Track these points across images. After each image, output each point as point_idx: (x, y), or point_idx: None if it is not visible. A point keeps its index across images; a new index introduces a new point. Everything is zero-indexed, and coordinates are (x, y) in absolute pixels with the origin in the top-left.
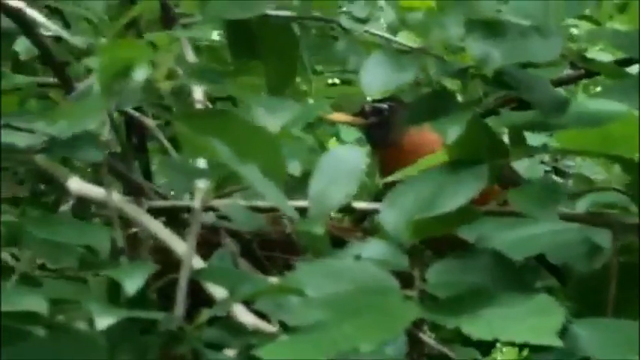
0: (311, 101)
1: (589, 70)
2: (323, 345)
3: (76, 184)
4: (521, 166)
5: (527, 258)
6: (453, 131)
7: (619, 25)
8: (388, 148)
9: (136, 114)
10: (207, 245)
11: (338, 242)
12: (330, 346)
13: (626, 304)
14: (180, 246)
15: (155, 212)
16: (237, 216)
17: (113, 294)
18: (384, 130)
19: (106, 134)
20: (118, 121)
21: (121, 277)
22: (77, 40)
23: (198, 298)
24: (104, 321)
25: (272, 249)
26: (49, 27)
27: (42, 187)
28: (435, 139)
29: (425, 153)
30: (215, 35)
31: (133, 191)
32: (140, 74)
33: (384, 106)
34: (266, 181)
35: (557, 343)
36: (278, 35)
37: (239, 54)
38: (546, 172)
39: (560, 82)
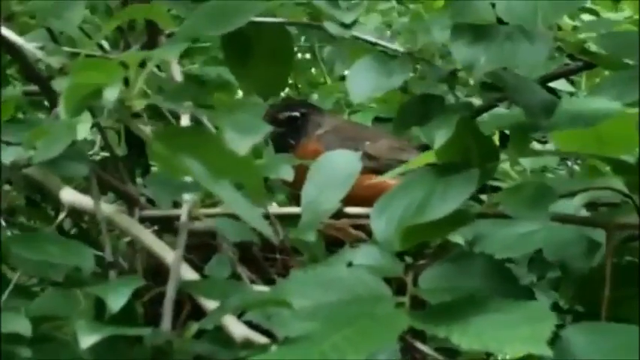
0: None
1: (589, 62)
2: (312, 357)
3: (68, 195)
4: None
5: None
6: (441, 135)
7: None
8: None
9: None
10: (206, 249)
11: (339, 244)
12: (318, 358)
13: (623, 304)
14: (170, 256)
15: (148, 221)
16: (224, 227)
17: (99, 309)
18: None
19: (98, 145)
20: (117, 128)
21: (105, 294)
22: (52, 60)
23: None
24: (88, 339)
25: (272, 251)
26: (24, 46)
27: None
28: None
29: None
30: None
31: (126, 201)
32: (111, 94)
33: (297, 114)
34: (240, 199)
35: (547, 352)
36: (272, 37)
37: (233, 56)
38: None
39: (559, 75)
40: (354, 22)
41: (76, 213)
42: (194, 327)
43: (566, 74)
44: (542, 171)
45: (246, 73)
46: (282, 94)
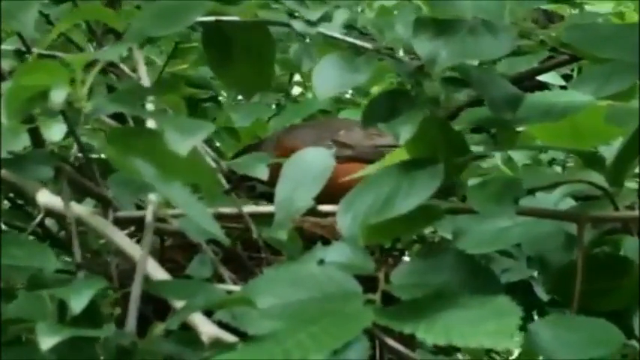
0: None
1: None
2: (275, 355)
3: (44, 197)
4: None
5: None
6: (406, 131)
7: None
8: None
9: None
10: (190, 249)
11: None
12: (280, 356)
13: (598, 297)
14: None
15: (124, 222)
16: (188, 227)
17: (62, 311)
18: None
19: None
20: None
21: (67, 296)
22: (3, 63)
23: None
24: (48, 341)
25: (256, 249)
26: None
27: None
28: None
29: None
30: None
31: (100, 203)
32: (57, 96)
33: None
34: (190, 200)
35: (515, 346)
36: (252, 36)
37: (213, 55)
38: None
39: (547, 69)
40: (321, 19)
41: (60, 216)
42: (160, 327)
43: (552, 68)
44: (549, 163)
45: (228, 72)
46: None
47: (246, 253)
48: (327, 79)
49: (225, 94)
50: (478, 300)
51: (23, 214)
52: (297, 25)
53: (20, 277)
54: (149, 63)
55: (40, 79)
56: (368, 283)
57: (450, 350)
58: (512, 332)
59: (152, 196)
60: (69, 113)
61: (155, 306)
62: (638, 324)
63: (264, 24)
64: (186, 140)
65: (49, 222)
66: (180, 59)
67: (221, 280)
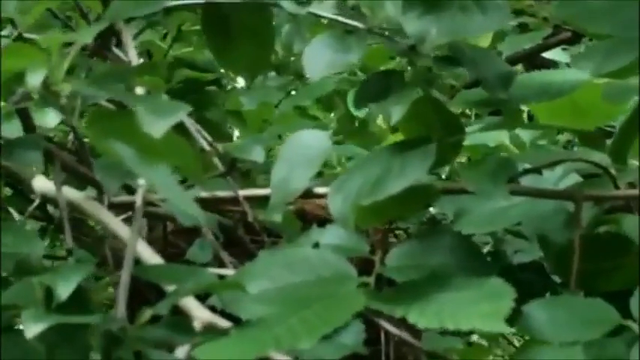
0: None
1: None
2: (264, 342)
3: (40, 183)
4: None
5: None
6: (397, 111)
7: None
8: None
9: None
10: (191, 233)
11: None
12: (271, 342)
13: (600, 277)
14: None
15: (119, 207)
16: (177, 211)
17: (49, 297)
18: None
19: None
20: None
21: (54, 282)
22: None
23: None
24: (34, 328)
25: (258, 232)
26: None
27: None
28: None
29: None
30: None
31: (95, 187)
32: (34, 79)
33: None
34: (171, 183)
35: (506, 329)
36: (251, 16)
37: (213, 37)
38: None
39: (548, 46)
40: None
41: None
42: (147, 312)
43: (555, 45)
44: (565, 145)
45: (227, 53)
46: None
47: (248, 237)
48: (318, 59)
49: (237, 79)
50: (472, 282)
51: (25, 200)
52: (287, 5)
53: (6, 264)
54: (154, 48)
55: (17, 62)
56: (366, 265)
57: (463, 333)
58: (504, 315)
59: (141, 180)
60: (47, 96)
61: (158, 291)
62: (637, 304)
63: (255, 4)
64: (161, 122)
65: (52, 208)
66: (184, 42)
67: (222, 265)
